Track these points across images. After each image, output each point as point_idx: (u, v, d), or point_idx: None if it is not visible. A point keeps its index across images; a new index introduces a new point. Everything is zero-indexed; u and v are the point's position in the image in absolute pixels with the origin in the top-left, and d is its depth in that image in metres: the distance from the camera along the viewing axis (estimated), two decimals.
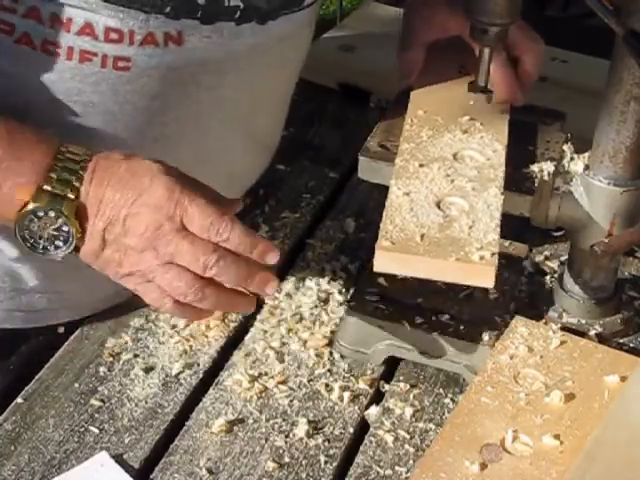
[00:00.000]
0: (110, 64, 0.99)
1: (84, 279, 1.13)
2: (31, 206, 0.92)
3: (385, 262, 0.96)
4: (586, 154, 1.09)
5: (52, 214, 0.92)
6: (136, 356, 1.13)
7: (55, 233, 0.94)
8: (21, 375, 1.13)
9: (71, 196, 0.92)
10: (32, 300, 1.14)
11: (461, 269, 0.94)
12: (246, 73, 1.09)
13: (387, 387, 1.11)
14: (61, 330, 1.18)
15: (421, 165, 1.05)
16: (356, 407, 1.08)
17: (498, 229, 0.97)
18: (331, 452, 1.03)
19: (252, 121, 1.16)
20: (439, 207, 1.00)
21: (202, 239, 0.94)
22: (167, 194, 0.93)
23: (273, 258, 0.97)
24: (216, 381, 1.11)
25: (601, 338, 1.12)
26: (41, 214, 0.92)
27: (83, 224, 0.93)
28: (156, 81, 1.02)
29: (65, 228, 0.93)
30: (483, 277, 0.94)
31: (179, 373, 1.11)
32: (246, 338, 1.16)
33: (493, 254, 0.94)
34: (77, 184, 0.93)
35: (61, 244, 0.94)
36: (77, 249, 0.95)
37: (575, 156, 1.12)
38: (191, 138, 1.10)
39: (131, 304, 1.20)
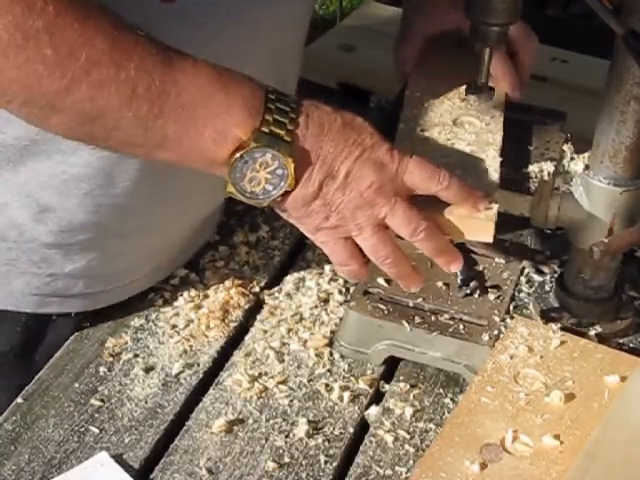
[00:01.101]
0: None
1: (118, 265, 1.15)
2: (251, 145, 0.89)
3: None
4: (586, 154, 1.09)
5: (270, 155, 0.89)
6: (136, 356, 1.13)
7: (268, 177, 0.91)
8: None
9: (287, 139, 0.90)
10: (68, 285, 1.14)
11: (462, 224, 0.97)
12: (278, 5, 1.08)
13: (387, 387, 1.11)
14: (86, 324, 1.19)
15: (422, 130, 1.08)
16: (356, 407, 1.08)
17: (497, 188, 1.00)
18: (331, 452, 1.03)
19: (281, 64, 1.15)
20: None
21: (412, 206, 0.95)
22: (390, 153, 0.93)
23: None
24: (216, 381, 1.11)
25: (601, 338, 1.12)
26: (258, 155, 0.89)
27: (298, 170, 0.91)
28: (198, 13, 1.00)
29: (279, 172, 0.90)
30: (483, 232, 0.97)
31: (179, 373, 1.11)
32: (246, 338, 1.16)
33: (493, 209, 0.97)
34: (292, 127, 0.90)
35: (271, 188, 0.91)
36: (285, 195, 0.92)
37: (575, 156, 1.12)
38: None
39: (131, 304, 1.20)
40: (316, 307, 1.19)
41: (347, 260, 0.97)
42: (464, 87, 1.13)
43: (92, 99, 0.85)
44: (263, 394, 1.09)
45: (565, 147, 1.13)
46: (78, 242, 1.10)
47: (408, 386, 1.11)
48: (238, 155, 0.89)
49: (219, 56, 1.00)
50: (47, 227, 1.08)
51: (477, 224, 0.96)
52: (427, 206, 0.97)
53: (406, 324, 1.11)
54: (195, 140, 0.89)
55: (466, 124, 1.09)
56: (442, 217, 0.97)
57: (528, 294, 1.19)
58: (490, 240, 0.97)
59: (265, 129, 0.89)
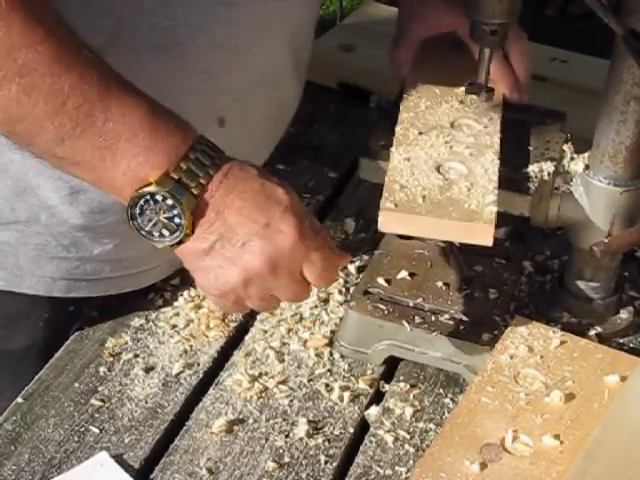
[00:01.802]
0: None
1: (144, 249, 1.15)
2: (153, 188, 0.89)
3: (389, 222, 0.99)
4: (586, 154, 1.09)
5: (170, 202, 0.90)
6: (136, 356, 1.13)
7: (165, 221, 0.91)
8: None
9: (195, 191, 0.90)
10: (96, 268, 1.15)
11: (462, 228, 0.97)
12: None
13: (387, 387, 1.11)
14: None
15: (420, 133, 1.08)
16: (356, 407, 1.08)
17: (496, 191, 0.99)
18: (331, 452, 1.03)
19: (299, 42, 1.18)
20: (439, 171, 1.03)
21: (303, 282, 0.95)
22: (295, 236, 0.92)
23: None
24: (216, 381, 1.11)
25: (601, 338, 1.12)
26: (159, 198, 0.90)
27: (195, 223, 0.91)
28: None
29: (177, 220, 0.91)
30: (483, 235, 0.97)
31: (179, 373, 1.11)
32: (246, 338, 1.16)
33: (492, 213, 0.97)
34: (204, 181, 0.90)
35: (167, 234, 0.92)
36: (179, 243, 0.92)
37: (575, 156, 1.12)
38: (258, 53, 1.10)
39: (131, 304, 1.20)
40: (316, 307, 1.19)
41: (229, 309, 1.01)
42: (462, 89, 1.13)
43: (18, 102, 0.86)
44: (263, 394, 1.09)
45: (565, 147, 1.13)
46: (107, 224, 1.11)
47: (408, 386, 1.11)
48: (139, 193, 0.90)
49: (251, 30, 1.04)
50: (78, 209, 1.09)
51: (476, 227, 0.96)
52: (425, 208, 0.98)
53: (406, 324, 1.11)
54: (109, 170, 0.90)
55: (464, 127, 1.09)
56: (441, 220, 0.97)
57: (528, 294, 1.19)
58: (489, 243, 0.97)
59: (175, 175, 0.89)
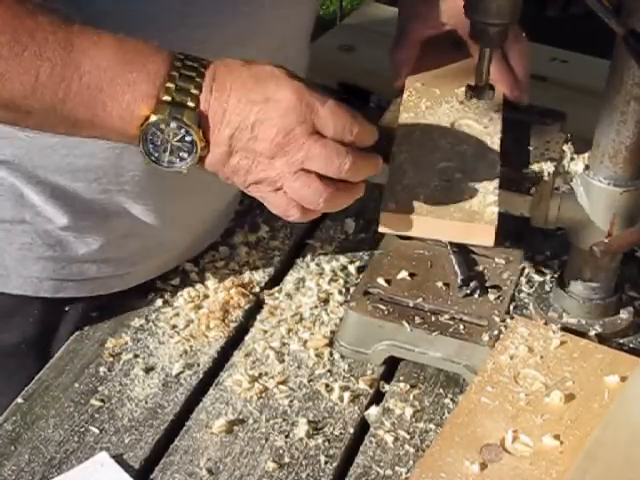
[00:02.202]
0: None
1: (133, 248, 1.15)
2: (152, 118, 0.89)
3: (390, 223, 0.99)
4: (586, 154, 1.09)
5: (174, 125, 0.90)
6: (136, 356, 1.13)
7: (178, 144, 0.91)
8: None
9: (191, 104, 0.89)
10: (82, 269, 1.15)
11: (463, 228, 0.97)
12: (280, 3, 1.09)
13: (387, 387, 1.11)
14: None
15: (421, 133, 1.08)
16: (356, 407, 1.08)
17: (497, 191, 0.99)
18: (331, 452, 1.03)
19: (282, 54, 1.17)
20: (440, 172, 1.03)
21: (333, 141, 0.92)
22: (296, 97, 0.90)
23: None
24: (216, 381, 1.11)
25: (601, 338, 1.12)
26: (163, 126, 0.90)
27: (207, 133, 0.91)
28: None
29: (188, 138, 0.90)
30: (484, 236, 0.97)
31: (179, 373, 1.11)
32: (246, 338, 1.16)
33: (493, 213, 0.97)
34: (196, 92, 0.90)
35: (185, 155, 0.92)
36: (202, 159, 0.92)
37: (575, 156, 1.12)
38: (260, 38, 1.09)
39: (131, 304, 1.20)
40: (316, 307, 1.19)
41: (285, 210, 0.96)
42: (462, 89, 1.13)
43: None
44: (263, 394, 1.09)
45: (565, 147, 1.13)
46: (92, 224, 1.12)
47: (408, 386, 1.11)
48: (143, 128, 0.90)
49: (224, 45, 1.02)
50: (61, 209, 1.10)
51: (478, 228, 0.96)
52: (426, 208, 0.98)
53: (406, 324, 1.11)
54: (105, 119, 0.90)
55: (465, 127, 1.09)
56: (442, 221, 0.97)
57: (528, 294, 1.19)
58: (491, 244, 0.97)
59: (167, 98, 0.89)
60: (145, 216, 1.14)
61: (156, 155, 0.92)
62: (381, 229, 1.00)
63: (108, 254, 1.16)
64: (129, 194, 1.11)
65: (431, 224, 0.97)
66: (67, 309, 1.17)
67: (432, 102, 1.13)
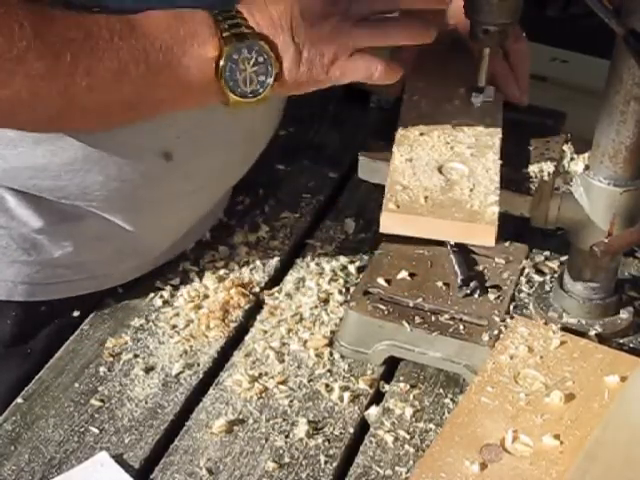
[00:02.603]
0: None
1: (108, 250, 1.16)
2: (226, 51, 0.95)
3: (391, 223, 0.99)
4: (586, 154, 1.09)
5: (245, 50, 0.95)
6: (136, 356, 1.13)
7: (255, 69, 0.97)
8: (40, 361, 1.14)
9: (248, 31, 0.96)
10: (57, 272, 1.15)
11: (464, 228, 0.97)
12: None
13: (387, 387, 1.11)
14: (76, 314, 1.19)
15: (421, 134, 1.08)
16: (356, 407, 1.08)
17: (498, 191, 1.00)
18: (331, 452, 1.03)
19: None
20: (440, 172, 1.03)
21: None
22: None
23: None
24: (216, 381, 1.11)
25: (601, 338, 1.12)
26: (236, 56, 0.95)
27: (274, 48, 0.97)
28: None
29: (261, 59, 0.96)
30: (484, 236, 0.97)
31: (179, 373, 1.11)
32: (246, 338, 1.16)
33: (494, 214, 0.97)
34: (244, 22, 0.96)
35: (264, 78, 0.97)
36: (279, 76, 0.98)
37: (575, 156, 1.12)
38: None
39: (131, 304, 1.20)
40: (316, 307, 1.19)
41: (368, 70, 1.03)
42: (462, 89, 1.13)
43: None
44: (263, 394, 1.09)
45: (565, 147, 1.13)
46: (67, 227, 1.12)
47: (408, 386, 1.11)
48: (221, 67, 0.95)
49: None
50: (35, 212, 1.10)
51: (478, 228, 0.96)
52: (426, 209, 0.98)
53: (406, 324, 1.11)
54: (185, 82, 0.96)
55: (465, 127, 1.09)
56: (443, 221, 0.97)
57: (528, 294, 1.19)
58: (492, 244, 0.97)
59: (227, 34, 0.95)
60: (117, 223, 1.14)
61: (239, 89, 0.97)
62: (382, 230, 1.00)
63: (82, 257, 1.15)
64: (98, 208, 1.12)
65: (432, 224, 0.98)
66: (43, 309, 1.17)
67: (433, 102, 1.13)
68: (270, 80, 0.98)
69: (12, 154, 1.05)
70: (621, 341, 1.13)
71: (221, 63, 0.95)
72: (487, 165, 1.03)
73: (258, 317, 1.19)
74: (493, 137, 1.07)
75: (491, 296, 1.16)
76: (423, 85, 1.16)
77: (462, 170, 1.03)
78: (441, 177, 1.02)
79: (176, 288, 1.22)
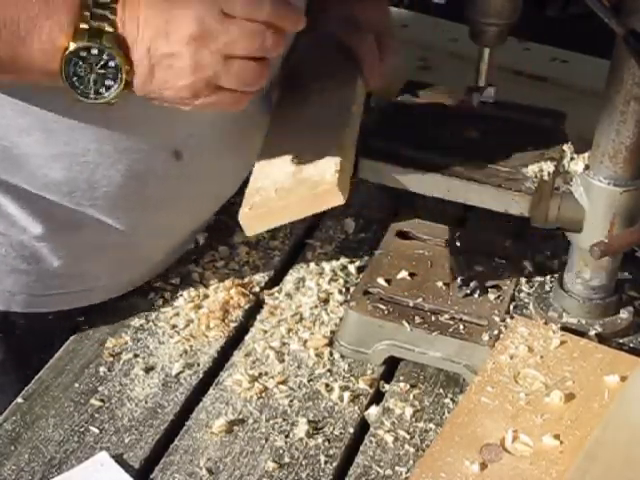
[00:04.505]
0: None
1: (107, 261, 1.15)
2: (72, 46, 0.89)
3: (252, 224, 1.01)
4: (586, 154, 1.09)
5: (95, 51, 0.90)
6: (136, 356, 1.13)
7: (103, 72, 0.91)
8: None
9: (110, 29, 0.90)
10: (56, 283, 1.14)
11: (312, 199, 0.99)
12: None
13: (387, 387, 1.11)
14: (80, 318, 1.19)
15: (284, 135, 1.10)
16: (356, 407, 1.08)
17: (338, 160, 1.00)
18: (331, 452, 1.03)
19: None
20: (292, 162, 1.04)
21: (247, 22, 0.92)
22: None
23: (302, 25, 0.97)
24: (216, 381, 1.11)
25: (601, 338, 1.12)
26: (84, 54, 0.90)
27: (128, 56, 0.91)
28: None
29: (112, 63, 0.90)
30: (332, 197, 0.98)
31: (179, 373, 1.11)
32: (246, 338, 1.16)
33: (333, 175, 0.98)
34: (113, 17, 0.90)
35: (111, 82, 0.91)
36: (128, 85, 0.92)
37: (575, 156, 1.12)
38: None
39: (131, 304, 1.20)
40: (316, 307, 1.19)
41: (236, 102, 0.96)
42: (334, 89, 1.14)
43: None
44: (263, 394, 1.09)
45: (565, 147, 1.13)
46: (64, 235, 1.11)
47: (408, 386, 1.11)
48: (65, 58, 0.90)
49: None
50: (36, 218, 1.09)
51: (323, 193, 0.98)
52: (277, 197, 1.00)
53: (406, 324, 1.11)
54: (26, 55, 0.90)
55: (322, 118, 1.10)
56: (292, 202, 0.99)
57: (528, 294, 1.19)
58: (342, 201, 0.98)
59: (85, 26, 0.89)
60: (117, 229, 1.13)
61: (81, 88, 0.91)
62: (247, 233, 1.01)
63: (81, 268, 1.15)
64: (102, 208, 1.10)
65: (286, 208, 0.99)
66: (50, 317, 1.16)
67: (301, 103, 1.14)
68: (117, 88, 0.92)
69: (25, 142, 1.03)
70: (621, 341, 1.13)
71: (66, 52, 0.89)
72: (334, 145, 1.03)
73: (258, 317, 1.19)
74: (341, 128, 1.07)
75: (491, 296, 1.16)
76: (296, 86, 1.17)
77: (312, 156, 1.03)
78: (292, 166, 1.02)
79: (176, 288, 1.22)
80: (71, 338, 1.16)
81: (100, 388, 1.09)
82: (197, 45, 0.90)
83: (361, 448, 1.04)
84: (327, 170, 0.99)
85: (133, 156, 1.07)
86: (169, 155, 1.10)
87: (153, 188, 1.11)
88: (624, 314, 1.15)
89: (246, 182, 1.07)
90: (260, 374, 1.11)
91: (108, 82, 0.92)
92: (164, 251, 1.22)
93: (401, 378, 1.12)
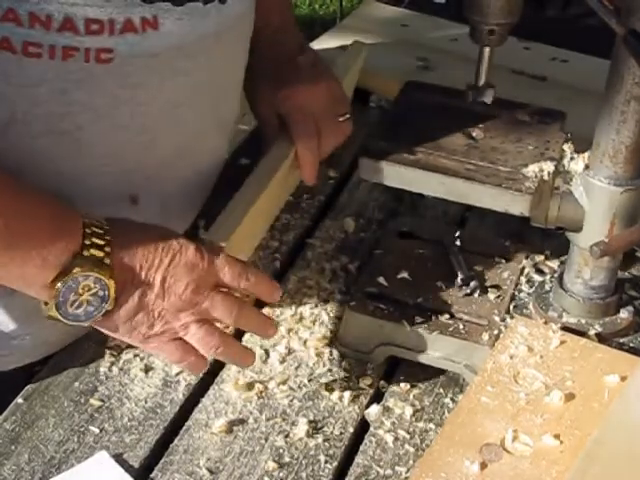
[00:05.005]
0: (93, 57, 0.98)
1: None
2: (75, 270, 0.92)
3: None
4: (586, 154, 1.09)
5: (91, 279, 0.93)
6: (136, 356, 1.13)
7: (90, 299, 0.94)
8: None
9: (107, 261, 0.93)
10: (11, 344, 1.12)
11: None
12: (215, 54, 1.10)
13: (387, 387, 1.11)
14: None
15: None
16: (356, 407, 1.08)
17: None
18: (331, 452, 1.03)
19: (221, 108, 1.18)
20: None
21: (228, 293, 1.00)
22: (199, 254, 0.98)
23: (277, 297, 1.06)
24: (216, 381, 1.11)
25: (601, 338, 1.12)
26: (81, 279, 0.93)
27: (117, 288, 0.95)
28: (138, 70, 1.02)
29: (101, 293, 0.94)
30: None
31: (179, 373, 1.11)
32: (246, 338, 1.16)
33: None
34: (109, 249, 0.94)
35: (92, 309, 0.95)
36: (107, 314, 0.96)
37: (575, 156, 1.12)
38: (171, 130, 1.10)
39: None
40: (316, 307, 1.19)
41: (183, 357, 1.01)
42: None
43: None
44: (263, 394, 1.09)
45: (565, 147, 1.13)
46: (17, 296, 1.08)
47: (408, 386, 1.11)
48: (63, 280, 0.92)
49: (160, 110, 1.03)
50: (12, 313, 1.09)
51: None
52: None
53: (406, 324, 1.11)
54: (20, 266, 0.92)
55: None
56: None
57: (528, 294, 1.19)
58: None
59: (86, 253, 0.93)
60: None
61: (64, 309, 0.94)
62: None
63: (35, 328, 1.10)
64: None
65: None
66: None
67: None
68: (97, 314, 0.95)
69: None
70: (621, 341, 1.13)
71: (62, 279, 0.92)
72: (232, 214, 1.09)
73: None
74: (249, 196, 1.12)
75: (491, 296, 1.16)
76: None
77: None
78: None
79: None
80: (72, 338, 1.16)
81: (100, 388, 1.09)
82: (181, 307, 0.98)
83: (361, 448, 1.04)
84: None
85: (88, 204, 1.06)
86: (126, 201, 1.10)
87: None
88: (624, 314, 1.15)
89: (225, 193, 1.10)
90: (260, 374, 1.11)
91: (89, 308, 0.95)
92: None
93: (401, 378, 1.12)
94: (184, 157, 1.13)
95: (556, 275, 1.20)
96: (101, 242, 0.94)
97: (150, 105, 1.05)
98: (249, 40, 1.21)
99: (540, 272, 1.23)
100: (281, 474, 1.01)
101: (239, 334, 1.17)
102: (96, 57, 0.98)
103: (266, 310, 1.19)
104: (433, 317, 1.13)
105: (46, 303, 0.94)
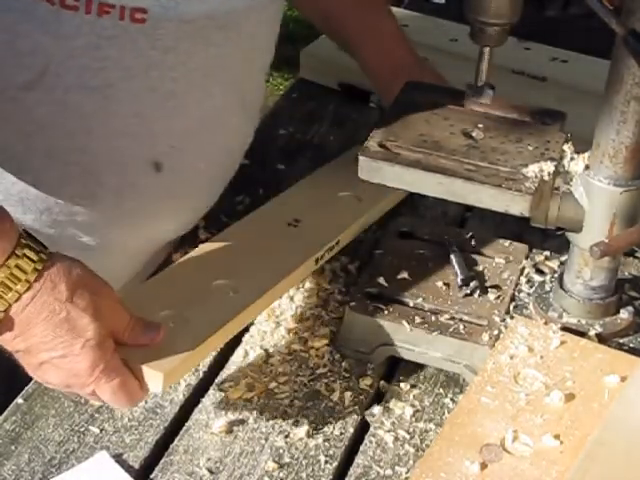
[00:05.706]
0: (127, 16, 0.99)
1: None
2: None
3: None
4: (586, 154, 1.09)
5: None
6: None
7: None
8: None
9: (1, 308, 0.88)
10: None
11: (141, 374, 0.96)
12: (244, 31, 1.11)
13: (387, 387, 1.11)
14: None
15: None
16: (356, 407, 1.08)
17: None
18: (331, 452, 1.03)
19: (246, 88, 1.18)
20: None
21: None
22: (89, 370, 0.92)
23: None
24: (216, 381, 1.11)
25: (601, 338, 1.12)
26: None
27: (6, 317, 0.89)
28: (170, 34, 1.03)
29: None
30: (154, 380, 0.96)
31: None
32: (246, 338, 1.16)
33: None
34: (22, 290, 0.88)
35: None
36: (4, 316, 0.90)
37: (575, 156, 1.11)
38: (197, 99, 1.10)
39: None
40: (316, 307, 1.19)
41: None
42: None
43: None
44: (263, 394, 1.09)
45: (565, 147, 1.13)
46: None
47: (408, 386, 1.11)
48: None
49: (188, 78, 1.02)
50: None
51: (149, 373, 0.95)
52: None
53: (406, 324, 1.11)
54: None
55: None
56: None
57: (528, 294, 1.19)
58: (158, 391, 0.98)
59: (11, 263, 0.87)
60: (92, 249, 1.13)
61: None
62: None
63: None
64: (79, 225, 1.10)
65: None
66: None
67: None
68: None
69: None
70: (621, 341, 1.13)
71: None
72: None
73: (258, 317, 1.19)
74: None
75: (491, 296, 1.16)
76: None
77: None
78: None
79: None
80: None
81: None
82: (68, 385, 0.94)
83: (361, 448, 1.04)
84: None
85: (113, 168, 1.07)
86: (149, 167, 1.10)
87: (130, 202, 1.12)
88: (624, 314, 1.15)
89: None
90: (260, 374, 1.11)
91: None
92: (127, 275, 1.22)
93: (401, 378, 1.12)
94: (208, 130, 1.12)
95: (556, 275, 1.20)
96: (28, 263, 0.88)
97: (179, 71, 1.06)
98: (277, 29, 1.21)
99: (540, 272, 1.23)
100: (281, 474, 1.01)
101: (240, 332, 1.17)
102: (130, 16, 0.99)
103: (266, 310, 1.20)
104: (433, 317, 1.13)
105: None
